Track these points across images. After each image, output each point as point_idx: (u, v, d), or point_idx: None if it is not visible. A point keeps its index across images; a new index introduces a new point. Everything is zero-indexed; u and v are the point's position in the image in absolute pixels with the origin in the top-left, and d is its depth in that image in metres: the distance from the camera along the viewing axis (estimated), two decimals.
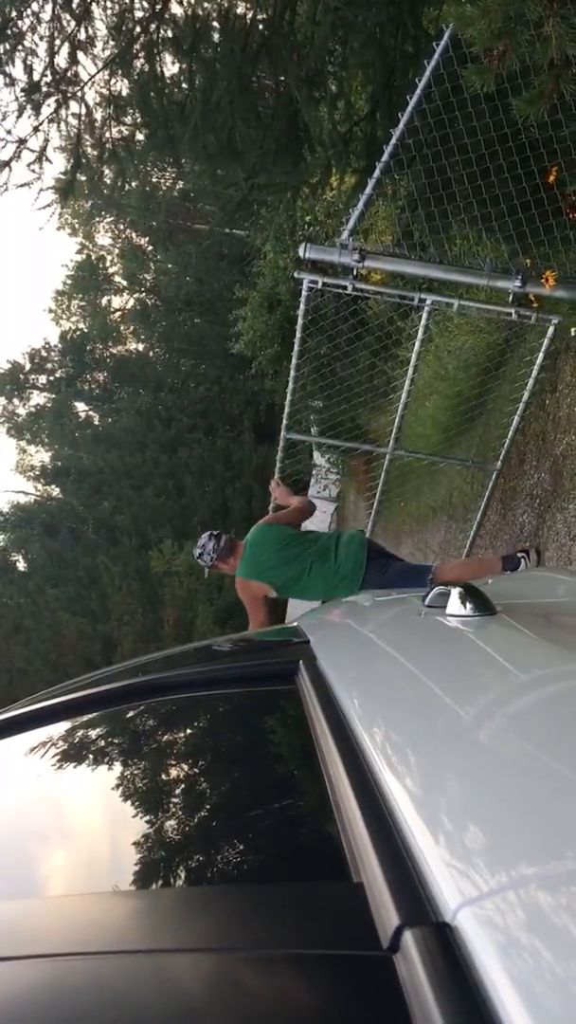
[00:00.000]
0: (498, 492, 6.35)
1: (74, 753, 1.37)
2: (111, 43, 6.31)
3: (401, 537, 10.02)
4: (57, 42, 6.15)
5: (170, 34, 6.31)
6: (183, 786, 1.14)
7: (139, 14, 6.21)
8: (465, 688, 1.07)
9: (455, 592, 1.26)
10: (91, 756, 1.34)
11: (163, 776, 1.20)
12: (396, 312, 8.83)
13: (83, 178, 6.89)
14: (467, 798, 0.74)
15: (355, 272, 4.74)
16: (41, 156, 6.37)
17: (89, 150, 6.64)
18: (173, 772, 1.22)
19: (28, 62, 6.18)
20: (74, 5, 6.02)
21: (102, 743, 1.40)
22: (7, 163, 6.27)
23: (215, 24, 6.39)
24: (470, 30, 3.40)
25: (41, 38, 6.16)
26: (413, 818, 0.70)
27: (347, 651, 1.39)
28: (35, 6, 6.11)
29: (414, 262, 4.75)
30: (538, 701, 0.94)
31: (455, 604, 1.25)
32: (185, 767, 1.22)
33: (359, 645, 1.46)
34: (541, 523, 5.53)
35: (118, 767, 1.26)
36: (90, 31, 6.20)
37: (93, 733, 1.46)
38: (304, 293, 4.94)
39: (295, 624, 1.66)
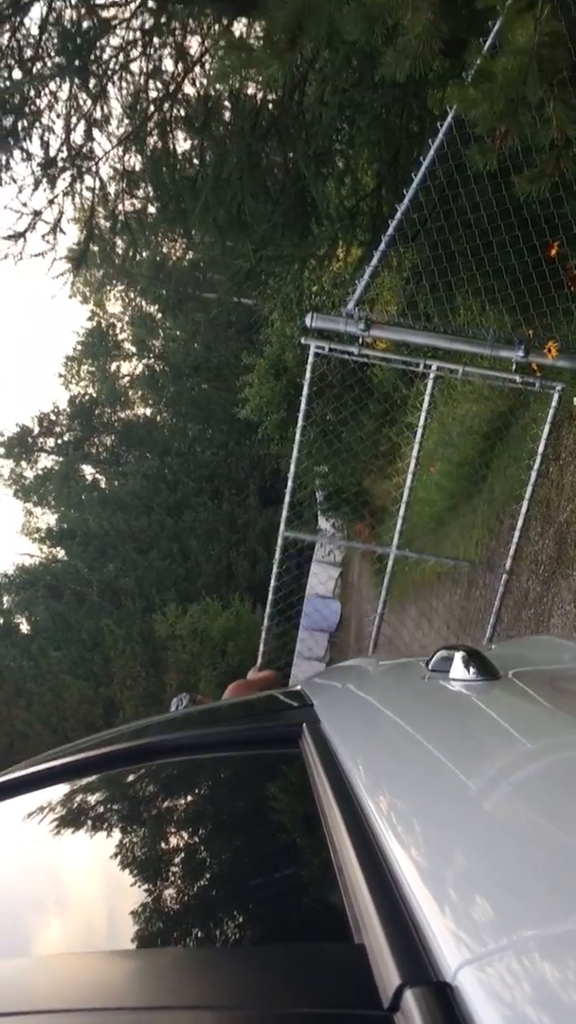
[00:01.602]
0: (502, 560, 6.35)
1: (74, 815, 1.37)
2: (126, 121, 6.53)
3: (406, 604, 9.99)
4: (73, 120, 6.37)
5: (183, 113, 6.54)
6: (186, 848, 1.14)
7: (153, 94, 6.44)
8: (466, 752, 1.07)
9: (458, 656, 1.27)
10: (92, 818, 1.33)
11: (166, 836, 1.20)
12: (401, 379, 8.94)
13: (96, 248, 7.07)
14: (469, 861, 0.74)
15: (361, 340, 4.83)
16: (55, 227, 6.55)
17: (102, 222, 6.83)
18: (176, 832, 1.21)
19: (45, 138, 6.40)
20: (91, 85, 6.25)
21: (103, 806, 1.39)
22: (22, 234, 6.44)
23: (226, 104, 6.62)
24: (473, 112, 3.52)
25: (58, 116, 6.39)
26: (415, 880, 0.70)
27: (351, 715, 1.40)
28: (52, 85, 6.35)
29: (419, 331, 4.84)
30: (539, 767, 0.94)
31: (458, 668, 1.25)
32: (188, 828, 1.22)
33: (363, 709, 1.47)
34: (546, 590, 5.53)
35: (120, 828, 1.26)
36: (105, 109, 6.44)
37: (93, 795, 1.45)
38: (311, 359, 5.02)
39: (299, 687, 1.66)
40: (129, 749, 1.46)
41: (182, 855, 1.12)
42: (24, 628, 25.44)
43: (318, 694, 1.52)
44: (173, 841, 1.18)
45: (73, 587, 24.84)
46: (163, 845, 1.16)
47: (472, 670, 1.24)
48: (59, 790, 1.42)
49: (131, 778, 1.44)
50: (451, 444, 8.55)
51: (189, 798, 1.37)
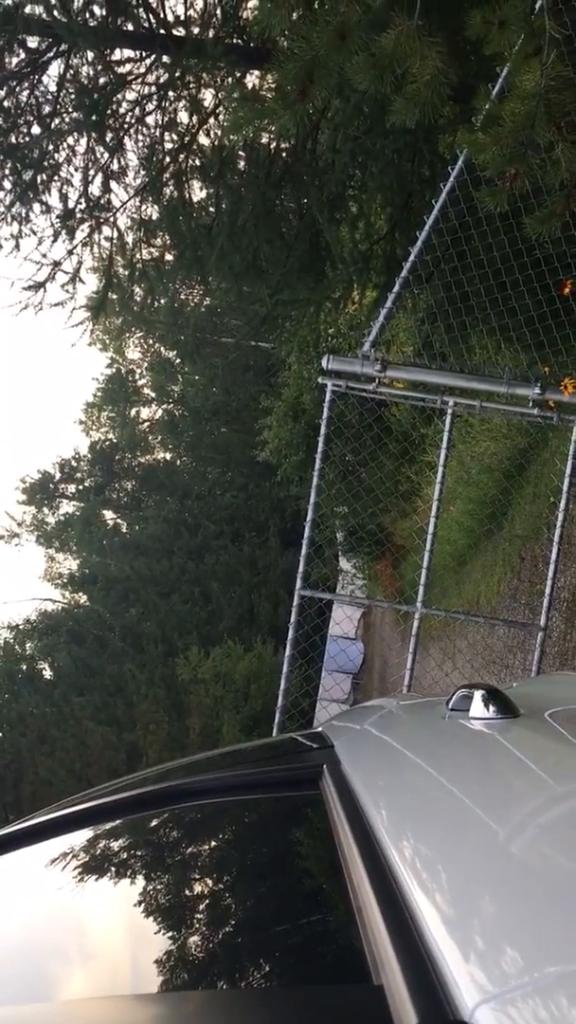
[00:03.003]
0: (524, 597, 6.30)
1: (94, 861, 1.36)
2: (142, 172, 6.67)
3: (428, 643, 9.93)
4: (91, 172, 6.52)
5: (198, 163, 6.67)
6: (207, 891, 1.13)
7: (169, 145, 6.58)
8: (486, 791, 1.06)
9: (478, 695, 1.26)
10: (112, 863, 1.33)
11: (187, 880, 1.19)
12: (419, 417, 8.98)
13: (114, 296, 7.18)
14: (487, 900, 0.74)
15: (377, 381, 4.86)
16: (75, 277, 6.68)
17: (120, 270, 6.94)
18: (196, 875, 1.21)
19: (64, 191, 6.55)
20: (108, 138, 6.40)
21: (123, 851, 1.39)
22: (42, 284, 6.56)
23: (240, 153, 6.75)
24: (483, 156, 3.57)
25: (76, 169, 6.54)
26: (433, 919, 0.69)
27: (371, 755, 1.39)
28: (71, 139, 6.52)
29: (435, 371, 4.86)
30: (557, 806, 0.93)
31: (478, 707, 1.25)
32: (208, 871, 1.21)
33: (383, 749, 1.46)
34: (570, 627, 5.48)
35: (140, 873, 1.25)
36: (122, 162, 6.58)
37: (114, 840, 1.45)
38: (328, 397, 5.05)
39: (319, 729, 1.65)
40: (148, 794, 1.46)
41: (202, 898, 1.11)
42: (47, 674, 25.46)
43: (338, 735, 1.52)
44: (193, 884, 1.18)
45: (95, 632, 24.87)
46: (183, 888, 1.15)
47: (492, 708, 1.24)
48: (79, 836, 1.42)
49: (151, 823, 1.44)
50: (470, 482, 8.55)
51: (209, 841, 1.36)
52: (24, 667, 25.78)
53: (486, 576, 8.11)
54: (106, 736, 19.98)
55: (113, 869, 1.30)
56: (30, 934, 1.10)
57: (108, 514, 33.91)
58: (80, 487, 34.47)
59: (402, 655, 5.75)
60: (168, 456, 34.82)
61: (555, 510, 5.35)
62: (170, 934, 1.00)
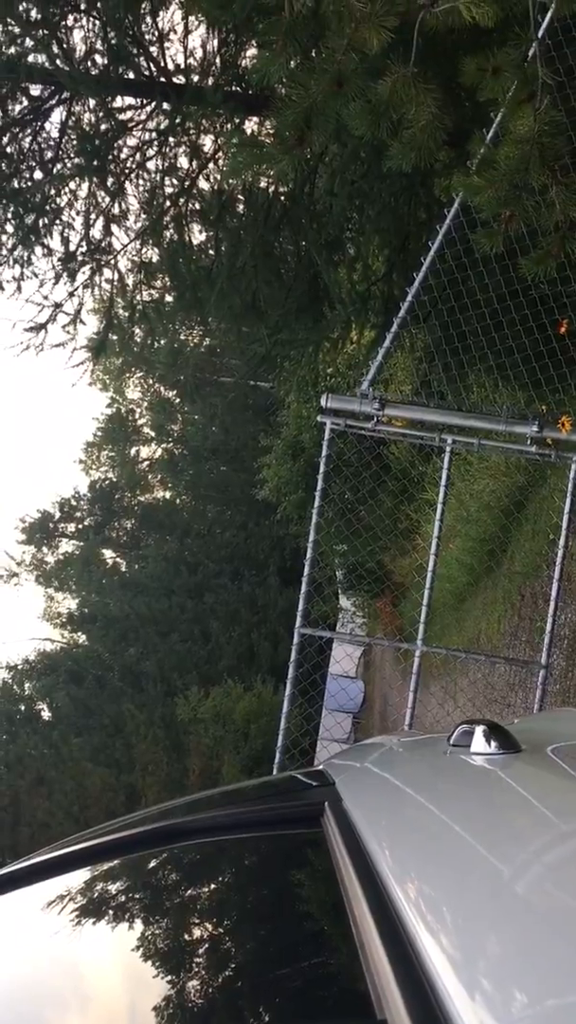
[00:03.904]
0: (525, 635, 6.28)
1: (93, 901, 1.35)
2: (143, 215, 6.77)
3: (429, 681, 9.88)
4: (92, 216, 6.61)
5: (198, 207, 6.77)
6: (208, 930, 1.12)
7: (169, 190, 6.68)
8: (489, 828, 1.06)
9: (479, 730, 1.26)
10: (111, 904, 1.31)
11: (188, 919, 1.18)
12: (418, 455, 9.02)
13: (114, 337, 7.25)
14: (489, 937, 0.73)
15: (376, 420, 4.89)
16: (75, 318, 6.75)
17: (121, 312, 7.02)
18: (198, 914, 1.20)
19: (65, 234, 6.64)
20: (109, 183, 6.50)
21: (122, 891, 1.38)
22: (44, 325, 6.63)
23: (239, 197, 6.85)
24: (478, 198, 3.63)
25: (78, 213, 6.64)
26: (436, 954, 0.69)
27: (372, 792, 1.38)
28: (72, 184, 6.62)
29: (433, 409, 4.90)
30: (560, 843, 0.93)
31: (479, 742, 1.25)
32: (210, 910, 1.20)
33: (384, 786, 1.45)
34: (571, 664, 5.46)
35: (140, 913, 1.24)
36: (123, 205, 6.68)
37: (113, 880, 1.43)
38: (327, 436, 5.07)
39: (320, 766, 1.65)
40: (147, 832, 1.45)
41: (204, 938, 1.10)
42: (45, 714, 25.27)
43: (339, 772, 1.51)
44: (195, 924, 1.17)
45: (94, 672, 24.74)
46: (184, 928, 1.15)
47: (494, 743, 1.24)
48: (77, 876, 1.40)
49: (150, 862, 1.43)
50: (470, 520, 8.57)
51: (210, 880, 1.35)
52: (22, 708, 25.59)
53: (486, 613, 8.09)
54: (104, 778, 19.79)
55: (112, 910, 1.29)
56: (25, 979, 1.09)
57: (107, 553, 33.88)
58: (79, 526, 34.48)
59: (403, 693, 5.72)
60: (168, 495, 34.89)
61: (555, 547, 5.35)
62: (171, 975, 0.99)
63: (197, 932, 1.13)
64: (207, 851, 1.40)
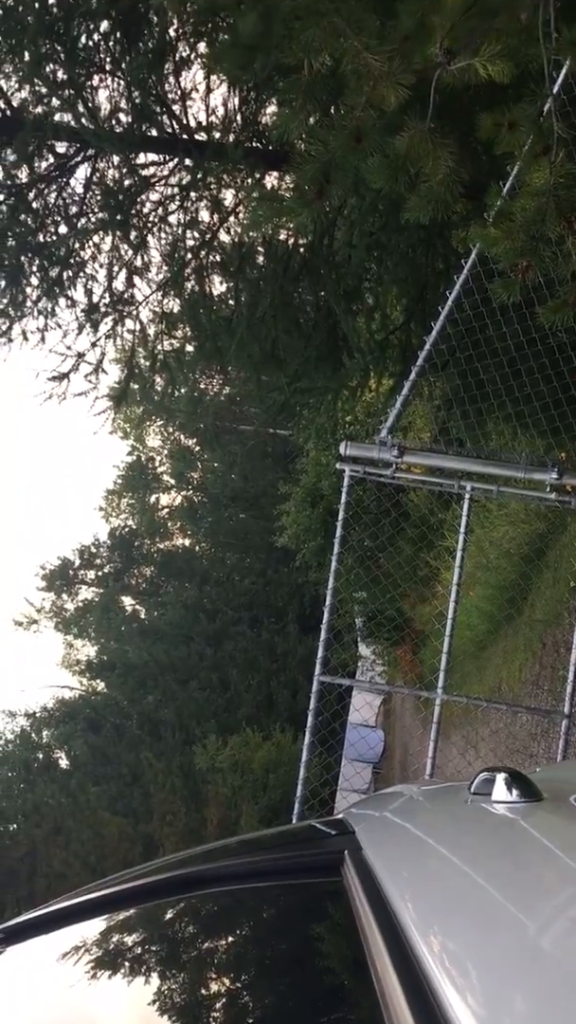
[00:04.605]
0: (547, 683, 6.21)
1: (110, 951, 1.34)
2: (164, 268, 6.89)
3: (449, 730, 9.77)
4: (115, 268, 6.74)
5: (218, 258, 6.89)
6: (226, 981, 1.11)
7: (190, 242, 6.81)
8: (519, 885, 1.05)
9: (500, 777, 1.25)
10: (128, 953, 1.30)
11: (206, 969, 1.17)
12: (437, 502, 9.02)
13: (136, 386, 7.34)
14: (517, 997, 0.72)
15: (395, 467, 4.91)
16: (97, 368, 6.85)
17: (142, 361, 7.11)
18: (215, 965, 1.18)
19: (88, 286, 6.77)
20: (131, 237, 6.64)
21: (139, 941, 1.36)
22: (66, 375, 6.73)
23: (259, 249, 6.97)
24: (495, 249, 3.68)
25: (101, 265, 6.77)
26: (464, 1015, 0.68)
27: (394, 842, 1.37)
28: (96, 238, 6.76)
29: (452, 456, 4.91)
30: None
31: (501, 790, 1.24)
32: (227, 961, 1.19)
33: (406, 835, 1.44)
34: None
35: (157, 964, 1.22)
36: (145, 258, 6.81)
37: (130, 929, 1.42)
38: (346, 483, 5.09)
39: (339, 816, 1.63)
40: (165, 880, 1.43)
41: (222, 991, 1.09)
42: (63, 763, 25.11)
43: (359, 821, 1.50)
44: (212, 975, 1.15)
45: (112, 720, 24.61)
46: (202, 980, 1.13)
47: (515, 792, 1.22)
48: (94, 925, 1.39)
49: (167, 912, 1.41)
50: (489, 567, 8.53)
51: (229, 930, 1.34)
52: (40, 756, 25.45)
53: (507, 662, 8.01)
54: (122, 827, 19.57)
55: (128, 959, 1.28)
56: None
57: (127, 600, 33.90)
58: (99, 573, 34.57)
59: (423, 743, 5.64)
60: (187, 542, 34.97)
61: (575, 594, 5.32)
62: None
63: (214, 984, 1.11)
64: (225, 900, 1.39)
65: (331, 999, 0.96)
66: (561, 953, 0.81)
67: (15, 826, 21.11)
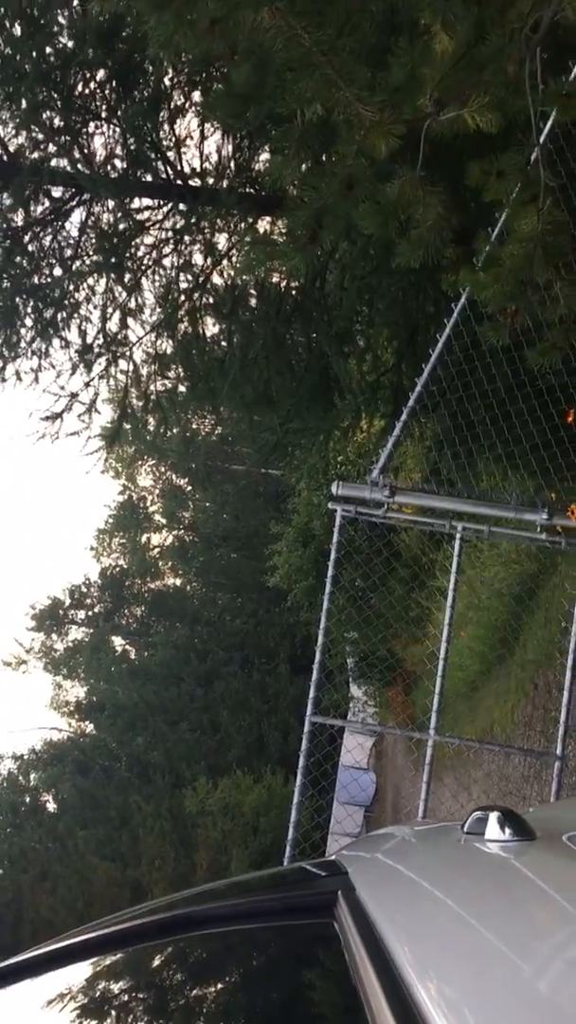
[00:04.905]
0: (539, 725, 6.19)
1: (97, 995, 1.32)
2: (158, 309, 6.97)
3: (441, 772, 9.69)
4: (109, 310, 6.81)
5: (211, 301, 6.97)
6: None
7: (184, 285, 6.90)
8: (513, 926, 1.04)
9: (493, 816, 1.25)
10: (116, 998, 1.28)
11: (193, 1017, 1.16)
12: (429, 542, 9.04)
13: (128, 426, 7.38)
14: None
15: (386, 507, 4.93)
16: (90, 408, 6.89)
17: (135, 401, 7.17)
18: (205, 1011, 1.17)
19: (82, 327, 6.83)
20: (126, 279, 6.72)
21: (126, 985, 1.34)
22: (59, 415, 6.77)
23: (252, 291, 7.06)
24: (484, 293, 3.74)
25: (95, 307, 6.84)
26: None
27: (387, 883, 1.36)
28: (90, 280, 6.84)
29: (443, 496, 4.94)
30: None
31: (494, 829, 1.24)
32: (218, 1005, 1.17)
33: (399, 877, 1.43)
34: None
35: (144, 1010, 1.21)
36: (139, 300, 6.88)
37: (117, 973, 1.40)
38: (338, 523, 5.10)
39: (332, 857, 1.62)
40: (154, 923, 1.42)
41: None
42: (51, 806, 24.77)
43: (351, 863, 1.49)
44: (204, 1019, 1.14)
45: (101, 762, 24.33)
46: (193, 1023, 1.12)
47: (508, 831, 1.22)
48: (81, 969, 1.37)
49: (157, 954, 1.39)
50: (481, 607, 8.53)
51: (219, 972, 1.32)
52: (28, 799, 25.10)
53: (499, 703, 7.98)
54: (110, 872, 19.27)
55: (117, 1004, 1.26)
56: None
57: (117, 640, 33.67)
58: (89, 613, 34.37)
59: (415, 784, 5.60)
60: (178, 582, 34.85)
61: (567, 635, 5.31)
62: None
63: None
64: (216, 942, 1.37)
65: None
66: (557, 995, 0.80)
67: (1, 871, 20.76)
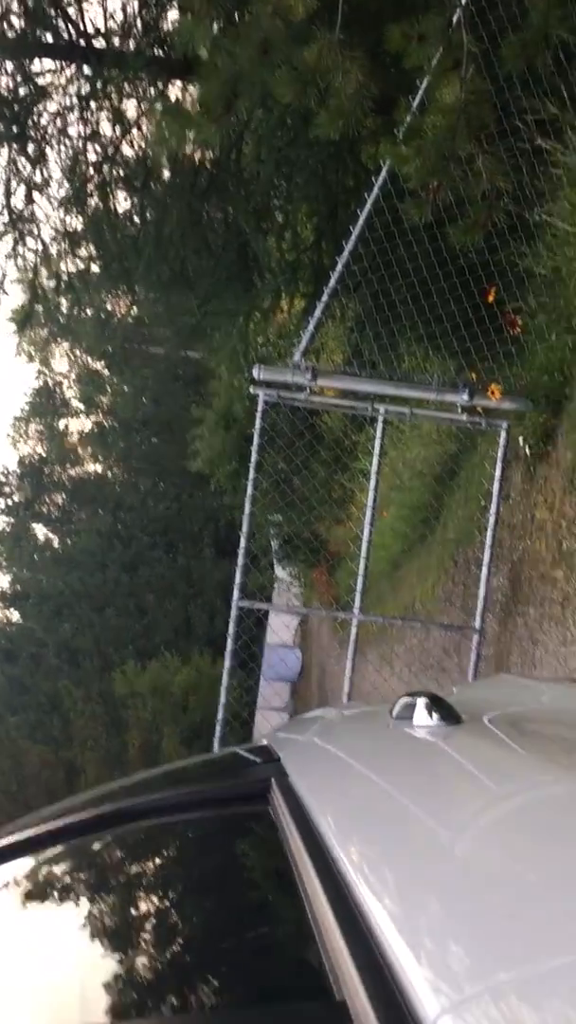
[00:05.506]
0: (459, 601, 6.39)
1: (37, 889, 1.34)
2: (66, 183, 6.61)
3: (365, 648, 10.00)
4: (13, 184, 6.44)
5: (122, 174, 6.64)
6: (156, 914, 1.12)
7: (92, 156, 6.54)
8: (434, 798, 1.08)
9: (421, 702, 1.28)
10: (56, 891, 1.30)
11: (134, 904, 1.18)
12: (351, 425, 9.05)
13: (40, 308, 7.10)
14: (442, 909, 0.75)
15: (309, 390, 4.89)
16: None
17: (46, 282, 6.87)
18: (145, 899, 1.19)
19: None
20: (29, 150, 6.33)
21: (66, 879, 1.36)
22: None
23: (165, 164, 6.74)
24: (406, 168, 3.63)
25: None
26: (390, 931, 0.70)
27: (319, 767, 1.39)
28: None
29: (365, 379, 4.92)
30: (505, 810, 0.95)
31: (421, 714, 1.27)
32: (157, 894, 1.20)
33: (331, 760, 1.46)
34: (503, 629, 5.57)
35: (86, 899, 1.23)
36: (45, 173, 6.51)
37: (55, 867, 1.42)
38: (260, 407, 5.06)
39: (264, 742, 1.65)
40: (88, 818, 1.43)
41: (152, 922, 1.10)
42: None
43: (284, 747, 1.52)
44: (143, 907, 1.16)
45: (29, 649, 24.45)
46: (133, 912, 1.14)
47: (435, 716, 1.25)
48: (18, 865, 1.38)
49: (93, 847, 1.41)
50: (403, 488, 8.65)
51: (158, 863, 1.35)
52: None
53: (421, 580, 8.19)
54: (43, 755, 19.65)
55: (56, 897, 1.28)
56: None
57: (39, 528, 33.34)
58: (9, 503, 33.84)
59: (340, 662, 5.77)
60: (99, 468, 34.42)
61: (486, 513, 5.45)
62: (119, 960, 0.99)
63: (145, 916, 1.13)
64: (153, 833, 1.40)
65: (264, 924, 0.98)
66: (469, 858, 0.84)
67: None
